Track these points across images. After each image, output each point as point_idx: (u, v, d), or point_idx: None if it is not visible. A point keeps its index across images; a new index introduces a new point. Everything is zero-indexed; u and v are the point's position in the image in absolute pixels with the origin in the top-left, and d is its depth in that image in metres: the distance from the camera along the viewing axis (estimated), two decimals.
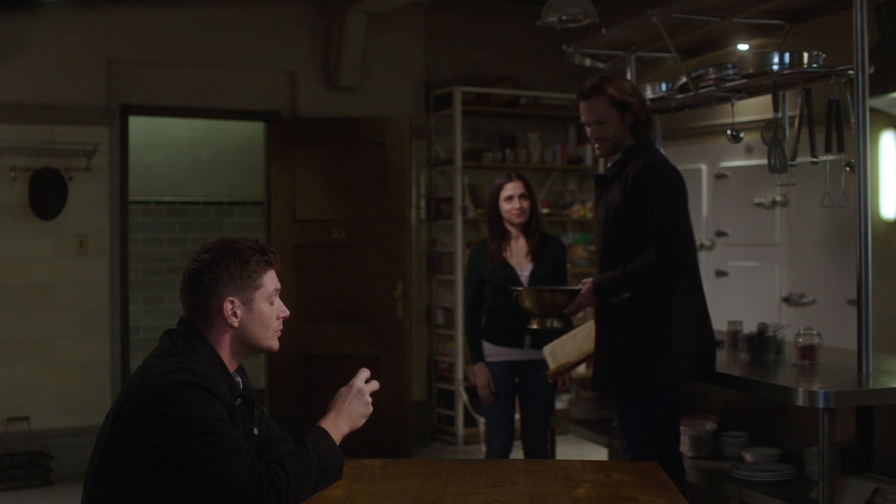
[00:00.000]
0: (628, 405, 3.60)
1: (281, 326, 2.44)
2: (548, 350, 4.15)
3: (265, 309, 2.39)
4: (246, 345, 2.40)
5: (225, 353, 2.38)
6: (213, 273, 2.33)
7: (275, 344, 2.43)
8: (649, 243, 3.45)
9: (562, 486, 2.54)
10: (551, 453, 4.92)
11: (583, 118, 3.63)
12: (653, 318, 3.51)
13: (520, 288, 3.92)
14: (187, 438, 2.17)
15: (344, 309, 6.80)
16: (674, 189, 3.47)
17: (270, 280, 2.41)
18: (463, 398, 7.08)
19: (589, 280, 3.64)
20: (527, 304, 3.91)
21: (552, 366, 4.16)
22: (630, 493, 2.48)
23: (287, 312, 2.45)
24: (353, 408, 2.43)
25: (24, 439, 6.07)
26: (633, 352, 3.53)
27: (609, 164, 3.68)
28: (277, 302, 2.42)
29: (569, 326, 3.90)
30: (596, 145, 3.63)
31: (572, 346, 4.10)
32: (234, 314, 2.35)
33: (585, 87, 3.61)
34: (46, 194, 6.17)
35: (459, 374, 7.12)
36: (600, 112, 3.56)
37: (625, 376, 3.56)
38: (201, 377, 2.23)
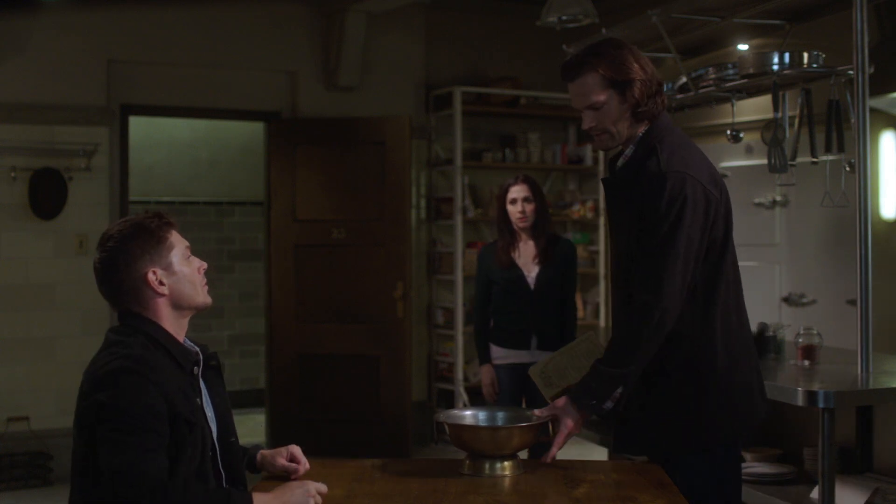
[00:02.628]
0: (686, 470, 2.68)
1: (205, 280, 2.47)
2: (536, 371, 3.07)
3: (185, 268, 2.42)
4: (181, 307, 2.42)
5: (167, 322, 2.40)
6: (125, 254, 2.36)
7: (207, 299, 2.47)
8: (632, 291, 2.62)
9: (562, 486, 2.54)
10: None
11: (572, 103, 2.78)
12: (701, 350, 2.65)
13: (448, 422, 2.69)
14: (107, 423, 2.17)
15: (344, 309, 6.80)
16: (674, 218, 2.56)
17: (177, 239, 2.44)
18: (463, 398, 7.08)
19: (564, 401, 2.67)
20: (462, 443, 2.66)
21: (546, 389, 3.04)
22: (630, 493, 2.47)
23: (205, 265, 2.48)
24: (291, 501, 2.29)
25: (24, 439, 6.07)
26: (688, 398, 2.65)
27: (618, 160, 2.77)
28: (193, 258, 2.46)
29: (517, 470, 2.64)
30: (594, 137, 2.76)
31: (570, 364, 3.10)
32: (161, 282, 2.38)
33: (570, 65, 2.73)
34: (46, 194, 6.17)
35: (459, 374, 7.12)
36: (592, 95, 2.67)
37: (678, 433, 2.67)
38: (134, 360, 2.24)
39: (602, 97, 2.66)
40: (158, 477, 2.15)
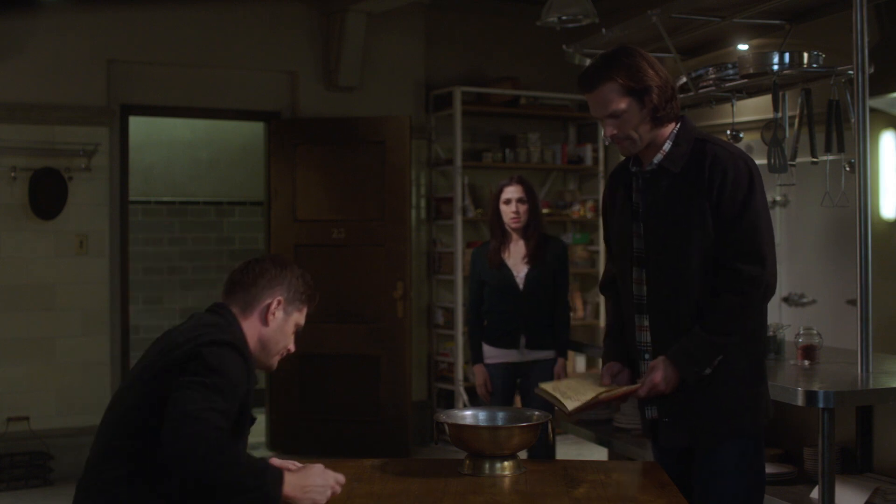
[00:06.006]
0: (720, 459, 2.74)
1: (283, 356, 2.66)
2: (549, 387, 2.92)
3: (289, 329, 2.61)
4: (260, 350, 2.58)
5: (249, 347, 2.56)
6: (282, 275, 2.59)
7: (274, 364, 2.65)
8: (728, 265, 2.68)
9: (562, 486, 2.54)
10: (551, 453, 4.92)
11: (592, 112, 2.82)
12: (756, 334, 2.78)
13: (448, 422, 2.72)
14: (199, 375, 2.29)
15: (344, 309, 6.80)
16: (758, 193, 2.71)
17: (303, 318, 2.65)
18: (463, 398, 7.08)
19: (659, 361, 2.72)
20: (462, 442, 2.70)
21: (568, 402, 2.80)
22: (630, 493, 2.47)
23: (293, 349, 2.66)
24: (313, 485, 2.38)
25: (24, 439, 6.07)
26: (735, 385, 2.73)
27: (642, 159, 2.82)
28: (293, 337, 2.65)
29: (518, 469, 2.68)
30: (617, 144, 2.83)
31: (580, 386, 2.90)
32: (274, 314, 2.56)
33: (587, 76, 2.77)
34: (46, 194, 6.16)
35: (459, 374, 7.12)
36: (611, 104, 2.72)
37: (725, 420, 2.73)
38: (241, 343, 2.45)
39: (622, 105, 2.71)
40: (222, 433, 2.25)
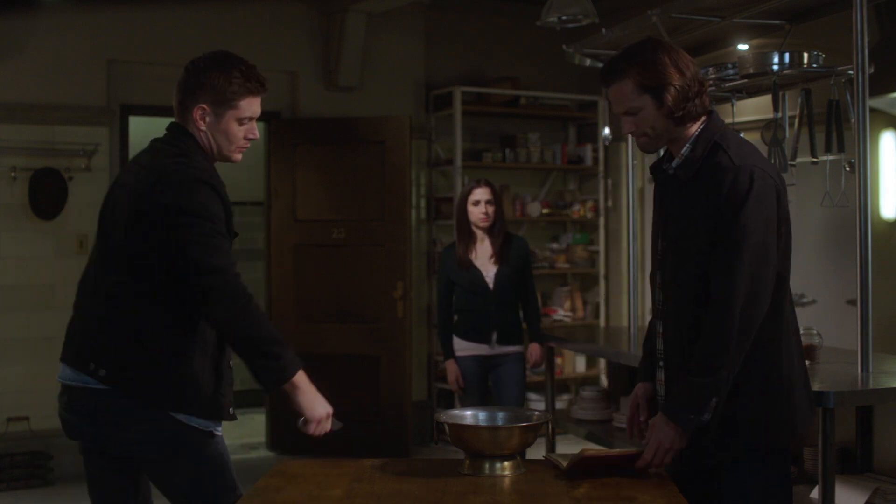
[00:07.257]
0: (738, 476, 2.62)
1: (247, 145, 2.74)
2: (554, 455, 2.81)
3: (233, 127, 2.66)
4: (216, 153, 2.71)
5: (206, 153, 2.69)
6: (198, 79, 2.63)
7: (235, 157, 2.75)
8: (709, 290, 2.53)
9: (562, 486, 2.54)
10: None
11: (611, 108, 2.72)
12: (765, 347, 2.57)
13: (448, 422, 2.69)
14: (190, 227, 2.47)
15: (344, 309, 6.80)
16: (752, 210, 2.50)
17: (248, 106, 2.66)
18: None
19: (655, 419, 2.60)
20: (462, 442, 2.66)
21: (564, 462, 2.68)
22: (630, 493, 2.47)
23: (257, 136, 2.74)
24: (316, 404, 2.92)
25: (24, 439, 6.07)
26: (744, 401, 2.56)
27: (671, 158, 2.70)
28: (250, 126, 2.70)
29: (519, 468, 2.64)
30: (636, 140, 2.72)
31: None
32: (203, 119, 2.64)
33: (605, 71, 2.68)
34: (46, 194, 6.17)
35: None
36: (627, 101, 2.62)
37: (736, 438, 2.57)
38: (206, 174, 2.55)
39: (637, 103, 2.60)
40: (237, 275, 2.53)
